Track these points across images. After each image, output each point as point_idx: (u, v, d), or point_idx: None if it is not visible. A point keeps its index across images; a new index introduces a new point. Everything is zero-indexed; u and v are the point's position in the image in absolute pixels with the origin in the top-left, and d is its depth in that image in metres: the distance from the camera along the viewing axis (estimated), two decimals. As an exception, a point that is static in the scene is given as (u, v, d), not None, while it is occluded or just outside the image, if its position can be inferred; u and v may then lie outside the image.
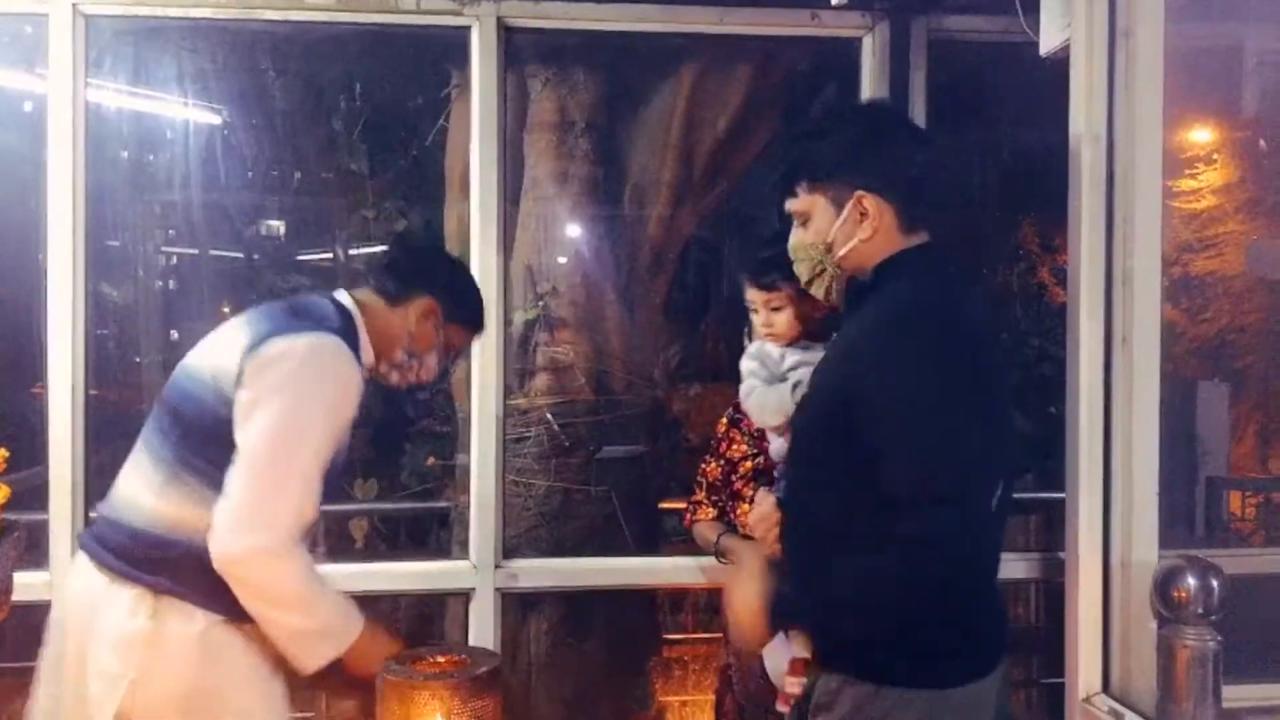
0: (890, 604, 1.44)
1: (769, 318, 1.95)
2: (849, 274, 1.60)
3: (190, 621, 1.64)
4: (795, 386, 1.92)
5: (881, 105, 1.65)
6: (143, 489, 1.69)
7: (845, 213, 1.55)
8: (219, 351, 1.69)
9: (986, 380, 1.47)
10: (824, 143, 1.57)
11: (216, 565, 1.57)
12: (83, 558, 1.73)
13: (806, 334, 1.95)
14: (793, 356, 1.95)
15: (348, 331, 1.73)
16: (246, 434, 1.60)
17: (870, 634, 1.49)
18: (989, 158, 3.74)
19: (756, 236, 1.92)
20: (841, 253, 1.57)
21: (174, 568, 1.64)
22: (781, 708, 1.92)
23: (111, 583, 1.66)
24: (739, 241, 1.99)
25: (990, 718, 1.55)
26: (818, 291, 1.65)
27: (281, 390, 1.60)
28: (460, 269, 2.03)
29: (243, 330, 1.68)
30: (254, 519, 1.57)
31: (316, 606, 1.63)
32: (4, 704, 2.48)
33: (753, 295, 1.97)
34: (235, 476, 1.59)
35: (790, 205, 1.62)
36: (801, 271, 1.65)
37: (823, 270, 1.61)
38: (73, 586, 1.75)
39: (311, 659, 1.65)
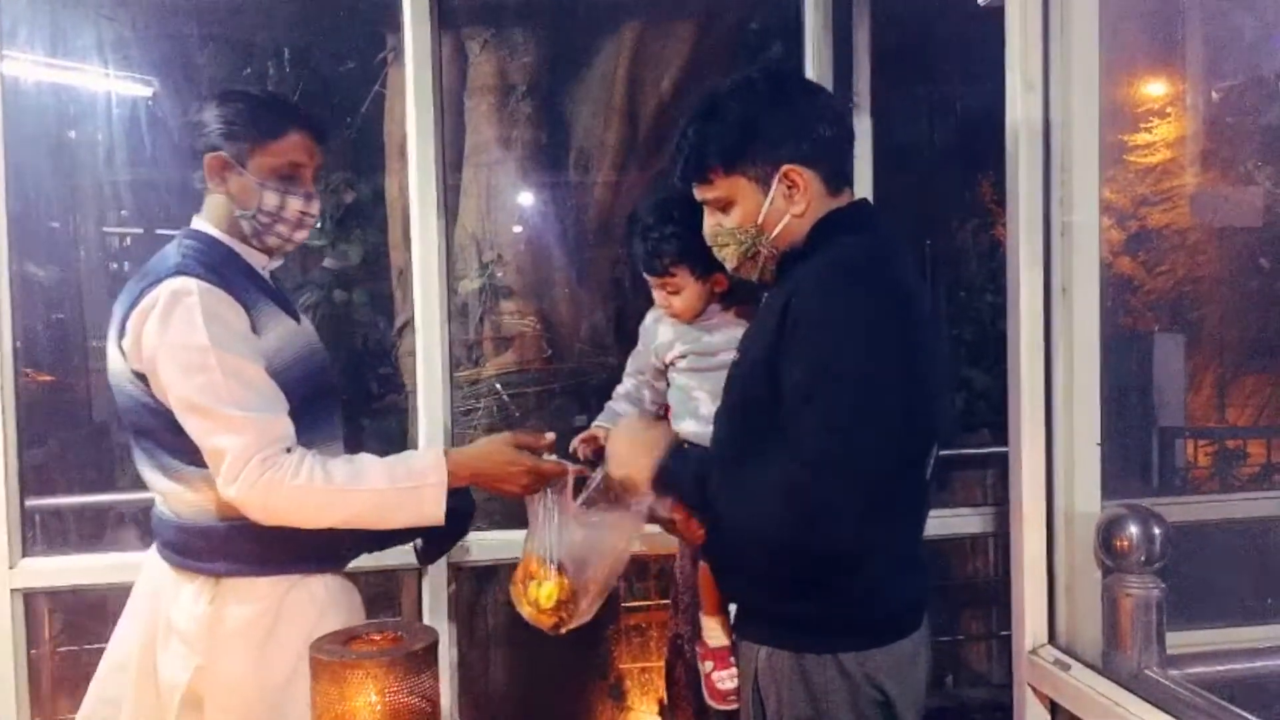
0: (771, 545, 1.43)
1: (665, 300, 1.88)
2: (783, 249, 1.53)
3: (249, 602, 1.67)
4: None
5: (779, 72, 1.60)
6: (155, 488, 1.72)
7: (773, 190, 1.48)
8: (110, 351, 1.69)
9: (914, 341, 1.43)
10: (734, 121, 1.48)
11: (249, 517, 1.60)
12: (153, 547, 1.77)
13: (708, 307, 1.87)
14: (682, 345, 1.89)
15: (200, 254, 1.66)
16: (170, 400, 1.60)
17: (782, 597, 1.49)
18: (937, 113, 3.72)
19: (642, 219, 1.84)
20: (776, 231, 1.50)
21: (227, 548, 1.66)
22: (716, 703, 1.90)
23: (176, 573, 1.71)
24: (628, 224, 1.97)
25: (925, 668, 1.58)
26: (750, 274, 1.58)
27: (159, 349, 1.59)
28: (225, 97, 1.74)
29: (113, 324, 1.68)
30: (226, 465, 1.57)
31: (359, 484, 1.61)
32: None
33: (649, 279, 1.90)
34: (195, 439, 1.60)
35: (704, 193, 1.54)
36: (730, 256, 1.56)
37: (756, 253, 1.53)
38: (144, 575, 1.78)
39: (421, 515, 1.66)
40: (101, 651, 1.82)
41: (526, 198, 2.97)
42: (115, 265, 4.66)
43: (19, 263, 2.36)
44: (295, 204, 1.72)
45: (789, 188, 1.48)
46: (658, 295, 1.90)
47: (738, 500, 1.45)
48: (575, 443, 1.97)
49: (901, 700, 1.51)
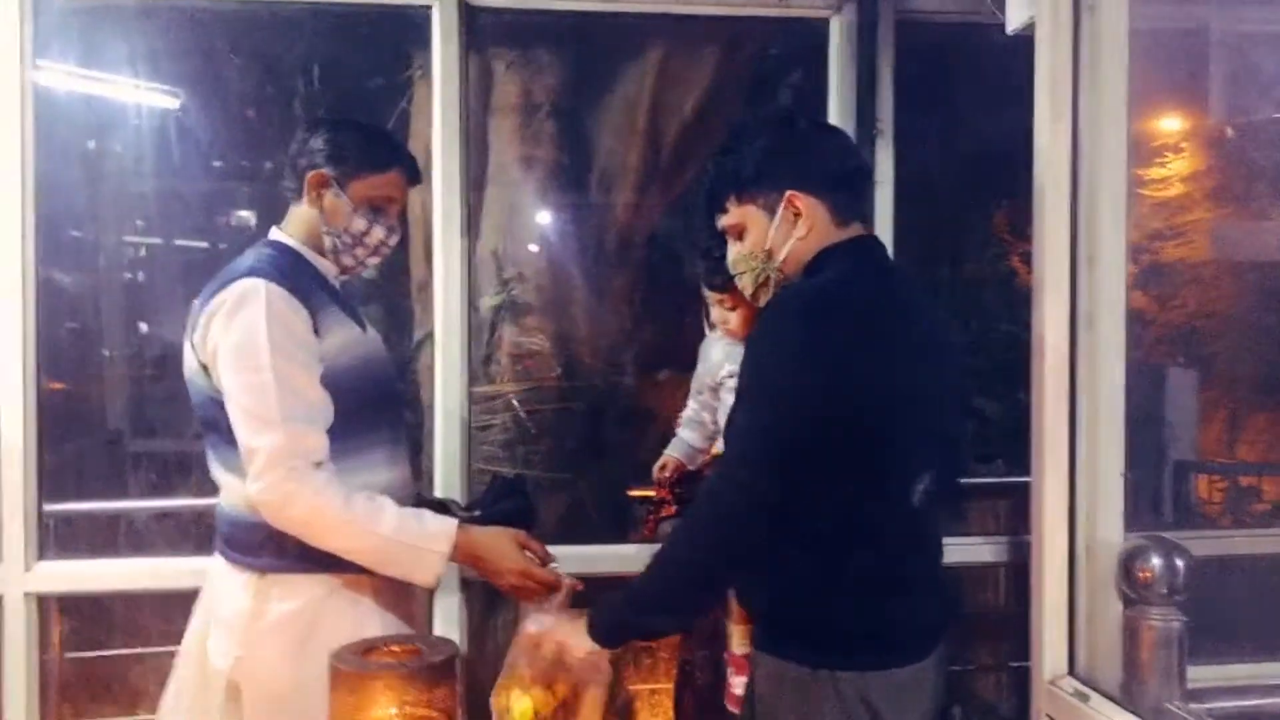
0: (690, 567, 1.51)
1: (723, 315, 1.96)
2: (791, 276, 1.62)
3: (291, 599, 1.72)
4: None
5: (791, 110, 1.73)
6: (218, 480, 1.79)
7: (778, 216, 1.59)
8: (185, 347, 1.77)
9: (871, 371, 1.48)
10: (744, 154, 1.61)
11: (263, 516, 1.66)
12: (214, 546, 1.85)
13: None
14: (730, 365, 1.94)
15: (275, 260, 1.75)
16: (223, 395, 1.68)
17: (792, 611, 1.55)
18: (959, 142, 3.73)
19: (705, 234, 1.91)
20: (782, 256, 1.60)
21: (273, 544, 1.70)
22: (731, 708, 1.95)
23: (228, 568, 1.78)
24: (691, 237, 2.00)
25: (929, 697, 1.60)
26: (764, 300, 1.66)
27: (221, 343, 1.66)
28: (339, 124, 1.87)
29: (189, 322, 1.77)
30: (257, 464, 1.63)
31: (370, 524, 1.66)
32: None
33: (707, 294, 1.97)
34: (235, 433, 1.67)
35: (722, 222, 1.66)
36: (745, 283, 1.67)
37: (766, 278, 1.63)
38: (209, 573, 1.86)
39: (413, 575, 1.72)
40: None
41: (548, 217, 2.98)
42: (131, 275, 4.69)
43: (46, 271, 2.39)
44: (379, 233, 1.83)
45: (794, 215, 1.58)
46: (716, 312, 1.96)
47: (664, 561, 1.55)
48: (655, 472, 2.05)
49: None
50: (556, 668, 1.61)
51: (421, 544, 1.70)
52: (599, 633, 1.58)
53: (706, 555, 1.50)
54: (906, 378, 1.54)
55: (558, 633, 1.60)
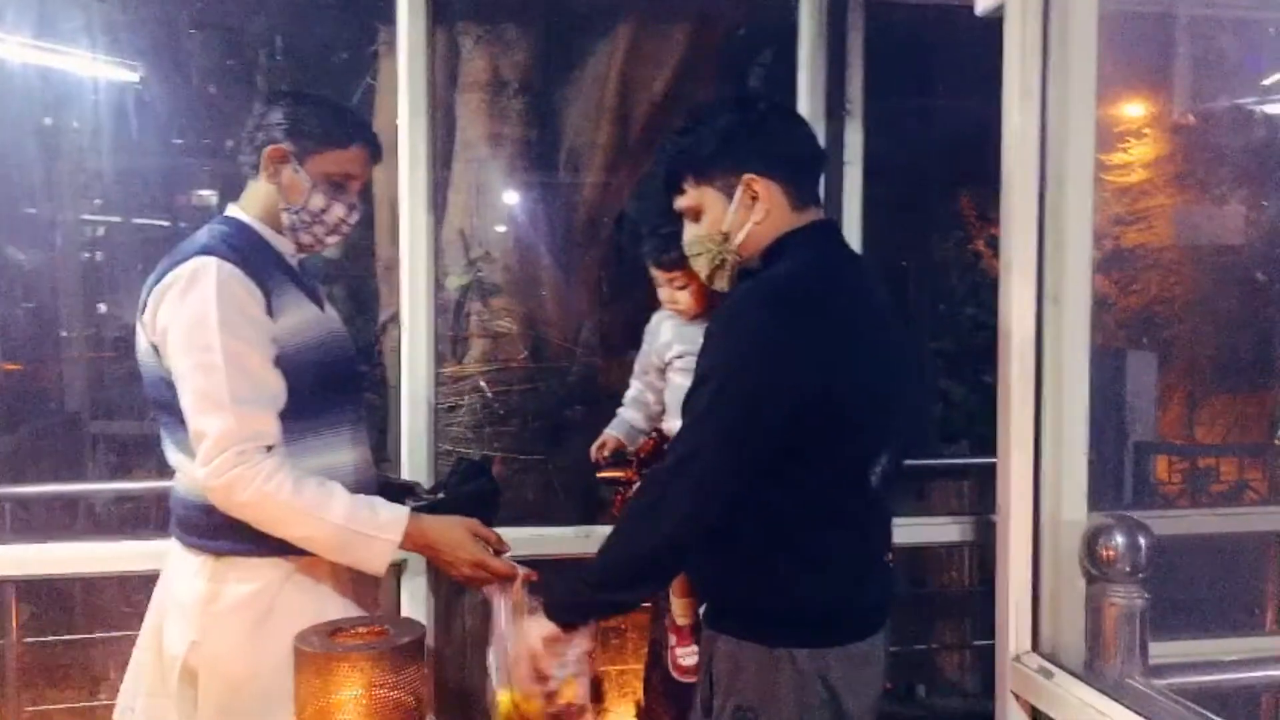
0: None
1: (672, 295, 1.93)
2: (747, 259, 1.62)
3: (247, 582, 1.69)
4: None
5: (753, 93, 1.70)
6: (172, 462, 1.74)
7: (736, 199, 1.58)
8: (137, 329, 1.72)
9: (832, 358, 1.49)
10: (703, 135, 1.59)
11: (211, 501, 1.62)
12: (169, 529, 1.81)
13: (713, 309, 1.91)
14: (679, 346, 1.93)
15: (229, 238, 1.70)
16: (173, 376, 1.64)
17: (748, 592, 1.57)
18: (927, 123, 3.75)
19: (652, 215, 1.89)
20: (739, 239, 1.59)
21: (230, 527, 1.66)
22: (678, 676, 1.97)
23: (183, 550, 1.74)
24: (637, 222, 1.98)
25: (881, 672, 1.64)
26: (720, 283, 1.66)
27: (171, 322, 1.62)
28: (299, 98, 1.81)
29: (140, 301, 1.72)
30: (204, 447, 1.59)
31: (320, 511, 1.63)
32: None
33: (656, 273, 1.94)
34: (185, 415, 1.63)
35: (680, 203, 1.64)
36: (701, 266, 1.65)
37: (723, 261, 1.62)
38: (165, 556, 1.82)
39: (364, 563, 1.69)
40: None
41: (516, 195, 2.95)
42: (88, 255, 4.59)
43: (0, 250, 2.33)
44: (338, 210, 1.77)
45: (751, 198, 1.57)
46: (664, 292, 1.94)
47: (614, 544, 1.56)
48: (593, 451, 2.04)
49: (851, 702, 1.56)
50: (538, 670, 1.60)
51: (372, 532, 1.67)
52: (557, 612, 1.58)
53: (660, 540, 1.50)
54: (869, 365, 1.56)
55: (524, 642, 1.61)
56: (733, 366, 1.48)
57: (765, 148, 1.58)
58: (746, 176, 1.56)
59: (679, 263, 1.84)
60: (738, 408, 1.46)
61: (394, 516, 1.70)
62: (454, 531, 1.75)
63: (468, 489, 1.87)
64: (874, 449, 1.57)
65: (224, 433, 1.58)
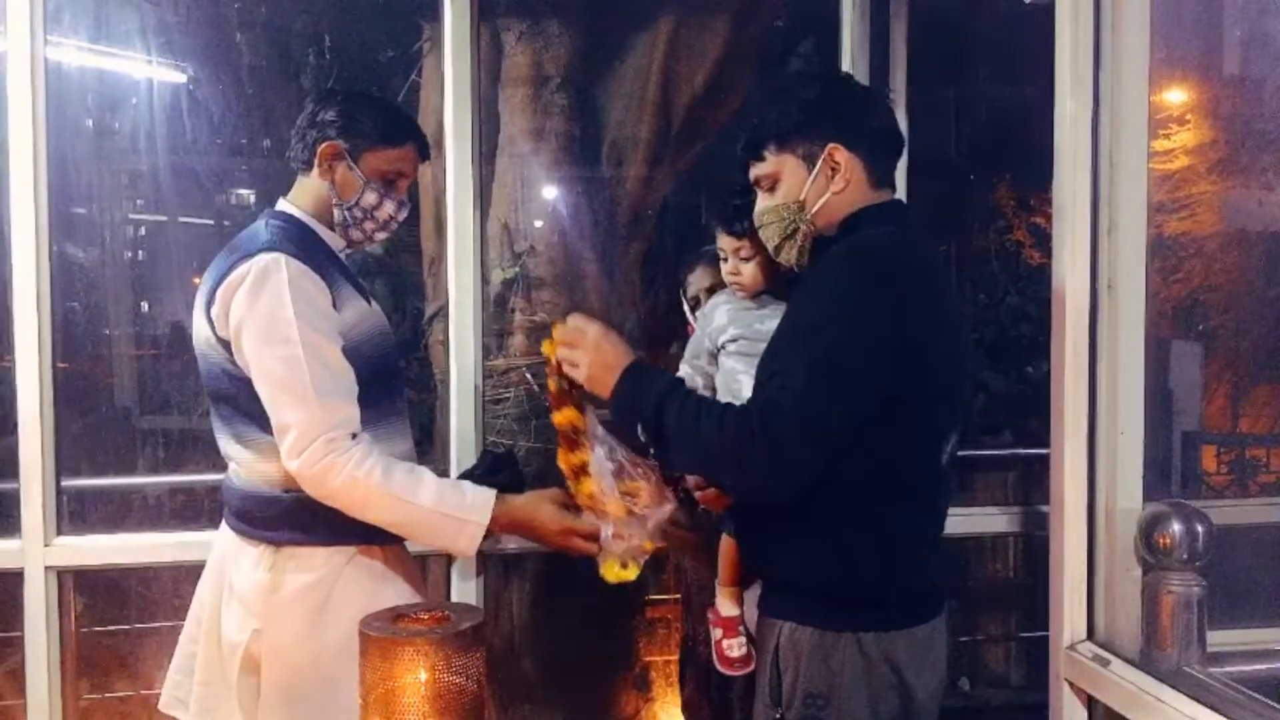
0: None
1: (737, 265, 1.92)
2: (820, 232, 1.61)
3: (307, 571, 1.72)
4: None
5: (838, 69, 1.70)
6: (229, 454, 1.78)
7: (817, 168, 1.58)
8: (196, 320, 1.75)
9: (921, 331, 1.49)
10: (790, 103, 1.59)
11: (306, 491, 1.65)
12: (224, 520, 1.83)
13: (772, 288, 1.91)
14: (734, 329, 1.93)
15: (288, 233, 1.73)
16: (251, 371, 1.67)
17: (809, 573, 1.56)
18: (970, 112, 3.72)
19: (726, 184, 1.89)
20: (815, 208, 1.59)
21: (289, 518, 1.71)
22: (724, 670, 1.96)
23: (241, 542, 1.77)
24: (710, 191, 1.98)
25: (942, 655, 1.64)
26: (789, 256, 1.65)
27: (246, 318, 1.65)
28: (353, 97, 1.86)
29: (201, 295, 1.75)
30: (291, 439, 1.63)
31: (410, 495, 1.66)
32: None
33: (724, 242, 1.94)
34: (267, 408, 1.66)
35: (757, 170, 1.63)
36: (772, 235, 1.64)
37: (795, 229, 1.61)
38: (215, 546, 1.85)
39: (453, 546, 1.73)
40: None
41: (559, 190, 2.97)
42: (131, 254, 4.67)
43: (59, 248, 2.38)
44: (389, 207, 1.81)
45: (832, 168, 1.57)
46: (729, 264, 1.93)
47: (689, 430, 1.49)
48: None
49: (917, 685, 1.56)
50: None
51: (462, 514, 1.70)
52: (616, 401, 1.57)
53: (716, 469, 1.55)
54: (952, 339, 1.56)
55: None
56: (835, 317, 1.46)
57: (851, 120, 1.59)
58: (830, 146, 1.56)
59: (748, 231, 1.84)
60: (845, 388, 1.44)
61: (482, 499, 1.73)
62: (541, 507, 1.77)
63: (497, 480, 1.88)
64: (948, 426, 1.57)
65: (311, 423, 1.62)
